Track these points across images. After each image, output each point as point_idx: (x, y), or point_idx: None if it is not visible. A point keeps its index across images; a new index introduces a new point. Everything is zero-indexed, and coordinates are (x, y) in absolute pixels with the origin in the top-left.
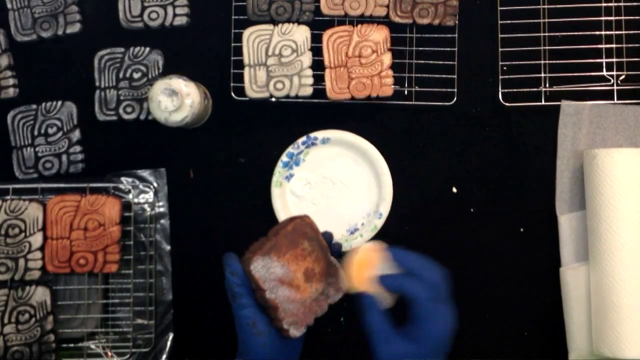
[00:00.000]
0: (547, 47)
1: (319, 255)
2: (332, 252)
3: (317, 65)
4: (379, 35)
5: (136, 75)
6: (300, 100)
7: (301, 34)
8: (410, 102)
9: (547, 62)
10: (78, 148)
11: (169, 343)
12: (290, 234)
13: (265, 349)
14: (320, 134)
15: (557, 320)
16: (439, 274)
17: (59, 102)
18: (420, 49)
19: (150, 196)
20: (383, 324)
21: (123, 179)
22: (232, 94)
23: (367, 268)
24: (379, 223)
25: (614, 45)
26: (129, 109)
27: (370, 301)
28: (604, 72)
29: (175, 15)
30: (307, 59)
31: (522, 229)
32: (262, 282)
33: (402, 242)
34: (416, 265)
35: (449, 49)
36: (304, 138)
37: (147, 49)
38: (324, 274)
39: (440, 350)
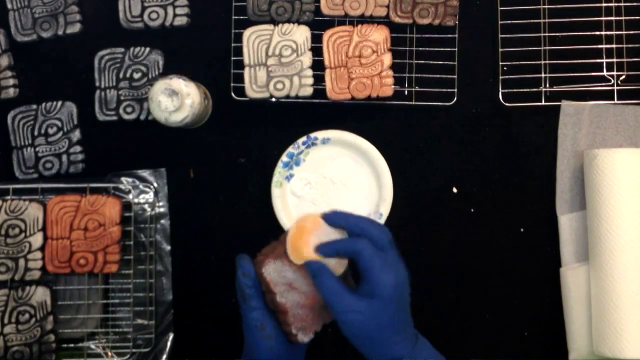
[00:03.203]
0: (547, 47)
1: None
2: None
3: (317, 66)
4: (379, 35)
5: (136, 76)
6: (300, 100)
7: (301, 34)
8: (410, 102)
9: (547, 62)
10: (78, 148)
11: (169, 343)
12: None
13: (273, 353)
14: (320, 134)
15: (557, 320)
16: (378, 226)
17: (59, 102)
18: (420, 49)
19: (150, 196)
20: (336, 287)
21: (123, 179)
22: (232, 94)
23: (307, 237)
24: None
25: (614, 46)
26: (129, 109)
27: (318, 268)
28: (604, 72)
29: (175, 15)
30: (307, 59)
31: (522, 229)
32: (274, 285)
33: (402, 242)
34: (353, 222)
35: (449, 49)
36: (304, 138)
37: (147, 49)
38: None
39: (397, 299)
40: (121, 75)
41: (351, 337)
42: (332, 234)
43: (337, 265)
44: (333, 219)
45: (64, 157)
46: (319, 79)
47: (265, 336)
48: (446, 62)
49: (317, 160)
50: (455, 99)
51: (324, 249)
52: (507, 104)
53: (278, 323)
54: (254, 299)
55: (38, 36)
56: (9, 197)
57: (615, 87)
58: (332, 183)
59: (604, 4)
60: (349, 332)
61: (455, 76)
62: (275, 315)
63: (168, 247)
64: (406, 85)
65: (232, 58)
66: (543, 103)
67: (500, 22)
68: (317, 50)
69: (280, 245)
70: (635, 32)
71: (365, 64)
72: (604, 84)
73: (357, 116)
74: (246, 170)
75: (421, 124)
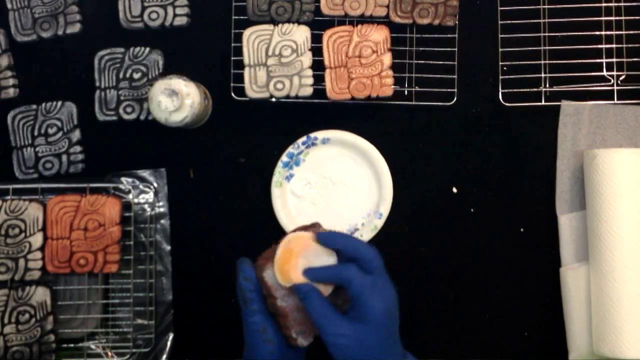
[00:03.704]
0: (547, 47)
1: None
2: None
3: (317, 66)
4: (379, 35)
5: (136, 76)
6: (300, 100)
7: (301, 34)
8: (410, 102)
9: (547, 62)
10: (78, 148)
11: (169, 343)
12: None
13: (273, 356)
14: (320, 134)
15: (557, 320)
16: (369, 250)
17: (59, 102)
18: (420, 49)
19: (150, 196)
20: (325, 310)
21: (123, 179)
22: (232, 94)
23: (294, 260)
24: (379, 223)
25: (614, 46)
26: (129, 109)
27: (306, 291)
28: (604, 72)
29: (175, 15)
30: (307, 59)
31: (522, 229)
32: (274, 289)
33: (402, 242)
34: (345, 244)
35: (449, 49)
36: (304, 138)
37: (147, 49)
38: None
39: (386, 324)
40: (121, 75)
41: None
42: (321, 255)
43: (325, 287)
44: (326, 240)
45: (64, 157)
46: (319, 79)
47: (265, 340)
48: (446, 62)
49: (317, 160)
50: (455, 99)
51: (313, 274)
52: (507, 104)
53: (278, 327)
54: (255, 302)
55: (38, 36)
56: (9, 197)
57: (615, 87)
58: (332, 183)
59: (604, 4)
60: (337, 355)
61: (455, 76)
62: (276, 319)
63: (168, 247)
64: (406, 85)
65: (232, 58)
66: (543, 103)
67: (500, 22)
68: (317, 50)
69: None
70: (635, 32)
71: (365, 64)
72: (603, 84)
73: (357, 116)
74: (246, 170)
75: (421, 124)
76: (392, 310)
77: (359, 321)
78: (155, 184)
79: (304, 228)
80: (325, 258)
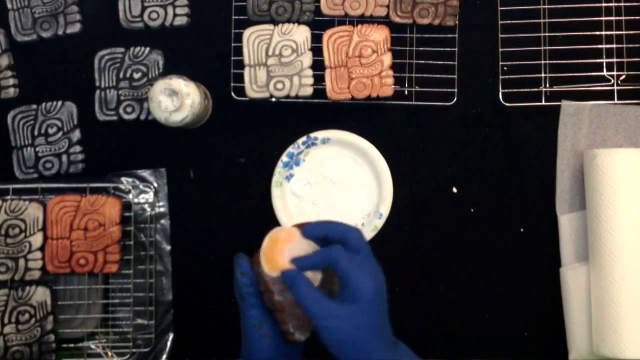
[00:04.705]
0: (547, 47)
1: None
2: None
3: (317, 65)
4: (379, 35)
5: (136, 75)
6: (300, 100)
7: (301, 34)
8: (410, 102)
9: (547, 62)
10: (78, 148)
11: (169, 343)
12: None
13: (270, 351)
14: (320, 134)
15: (557, 320)
16: (354, 230)
17: (59, 102)
18: (420, 49)
19: (150, 196)
20: (313, 294)
21: (123, 179)
22: (232, 94)
23: (281, 246)
24: (379, 223)
25: (614, 46)
26: (129, 109)
27: (293, 276)
28: (604, 72)
29: (175, 15)
30: (307, 59)
31: (522, 229)
32: (272, 284)
33: (402, 242)
34: (329, 228)
35: (449, 49)
36: (304, 138)
37: (147, 49)
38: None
39: (377, 302)
40: (121, 75)
41: (330, 344)
42: (305, 246)
43: (313, 279)
44: (311, 230)
45: (64, 157)
46: (319, 79)
47: (262, 334)
48: (446, 62)
49: (317, 160)
50: (455, 99)
51: (300, 262)
52: (507, 104)
53: (275, 322)
54: (252, 297)
55: (38, 36)
56: (9, 197)
57: (615, 87)
58: (332, 183)
59: (604, 4)
60: (328, 338)
61: (455, 76)
62: (273, 314)
63: (168, 247)
64: (406, 85)
65: (232, 58)
66: (543, 103)
67: (500, 22)
68: (317, 50)
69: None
70: (635, 32)
71: (365, 64)
72: (604, 84)
73: (357, 116)
74: (246, 170)
75: (421, 124)
76: (380, 289)
77: (350, 301)
78: (155, 184)
79: (301, 225)
80: (309, 249)
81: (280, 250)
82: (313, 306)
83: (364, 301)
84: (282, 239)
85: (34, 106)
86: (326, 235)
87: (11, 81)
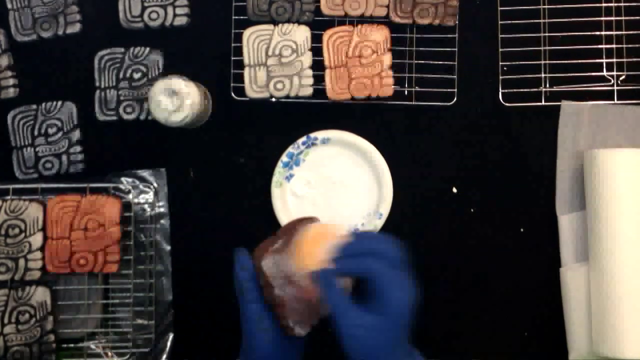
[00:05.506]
0: (547, 47)
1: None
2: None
3: (317, 66)
4: (379, 35)
5: (136, 75)
6: (300, 100)
7: (301, 34)
8: (410, 102)
9: (547, 62)
10: (78, 148)
11: (169, 343)
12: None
13: (270, 346)
14: (320, 134)
15: (557, 320)
16: (392, 245)
17: (59, 102)
18: (420, 49)
19: (150, 196)
20: (344, 300)
21: (123, 179)
22: (232, 94)
23: (320, 245)
24: (379, 223)
25: (614, 46)
26: (129, 109)
27: (329, 277)
28: (604, 72)
29: (175, 15)
30: (307, 59)
31: (522, 229)
32: (272, 278)
33: (402, 243)
34: (369, 240)
35: (449, 49)
36: (304, 138)
37: (147, 49)
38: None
39: (403, 320)
40: (121, 75)
41: (351, 352)
42: (340, 244)
43: (345, 280)
44: (355, 236)
45: (64, 157)
46: (319, 79)
47: (262, 329)
48: (446, 62)
49: (317, 160)
50: (455, 99)
51: (340, 264)
52: (507, 104)
53: (276, 317)
54: (252, 292)
55: (38, 36)
56: (9, 197)
57: (615, 87)
58: (332, 183)
59: (604, 4)
60: (350, 346)
61: (455, 76)
62: (273, 309)
63: (168, 247)
64: (406, 85)
65: (232, 58)
66: (543, 103)
67: (500, 22)
68: (317, 50)
69: (279, 239)
70: (635, 32)
71: (365, 64)
72: (603, 84)
73: (357, 116)
74: (246, 170)
75: (421, 124)
76: (411, 307)
77: (380, 314)
78: (155, 184)
79: (301, 220)
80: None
81: (321, 250)
82: (341, 313)
83: (394, 316)
84: (324, 237)
85: (34, 106)
86: (363, 245)
87: (11, 81)
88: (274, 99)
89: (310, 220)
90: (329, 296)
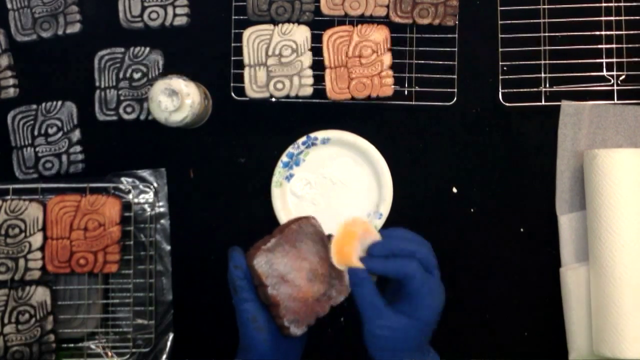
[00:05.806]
0: (547, 47)
1: (322, 256)
2: None
3: (317, 65)
4: (379, 35)
5: (136, 75)
6: (300, 100)
7: (301, 34)
8: (410, 102)
9: (547, 62)
10: (78, 148)
11: (169, 343)
12: (295, 234)
13: (266, 345)
14: (320, 134)
15: (557, 320)
16: (426, 247)
17: (59, 102)
18: (420, 49)
19: (150, 196)
20: (375, 298)
21: (123, 179)
22: (232, 94)
23: (356, 244)
24: (379, 223)
25: (614, 46)
26: (129, 109)
27: (361, 276)
28: (604, 72)
29: (175, 15)
30: (307, 59)
31: (522, 229)
32: (265, 277)
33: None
34: (401, 239)
35: (449, 49)
36: (304, 138)
37: (147, 49)
38: (327, 276)
39: (432, 323)
40: (121, 75)
41: (374, 350)
42: (374, 241)
43: (373, 276)
44: (388, 235)
45: (64, 157)
46: (319, 79)
47: (257, 328)
48: (446, 62)
49: (317, 160)
50: (455, 99)
51: (372, 265)
52: (507, 104)
53: (271, 316)
54: (246, 291)
55: (38, 36)
56: (9, 197)
57: (615, 87)
58: (332, 183)
59: (604, 4)
60: (374, 345)
61: (455, 76)
62: (268, 308)
63: (168, 247)
64: (406, 85)
65: (232, 58)
66: (543, 103)
67: (500, 22)
68: (317, 50)
69: (272, 238)
70: (635, 32)
71: (365, 64)
72: (603, 84)
73: (357, 116)
74: (246, 170)
75: (421, 124)
76: (440, 311)
77: (409, 316)
78: (155, 184)
79: (297, 219)
80: None
81: (355, 248)
82: (371, 312)
83: (422, 321)
84: (358, 235)
85: (34, 106)
86: (398, 247)
87: (11, 81)
88: (274, 99)
89: (306, 219)
90: (359, 297)
